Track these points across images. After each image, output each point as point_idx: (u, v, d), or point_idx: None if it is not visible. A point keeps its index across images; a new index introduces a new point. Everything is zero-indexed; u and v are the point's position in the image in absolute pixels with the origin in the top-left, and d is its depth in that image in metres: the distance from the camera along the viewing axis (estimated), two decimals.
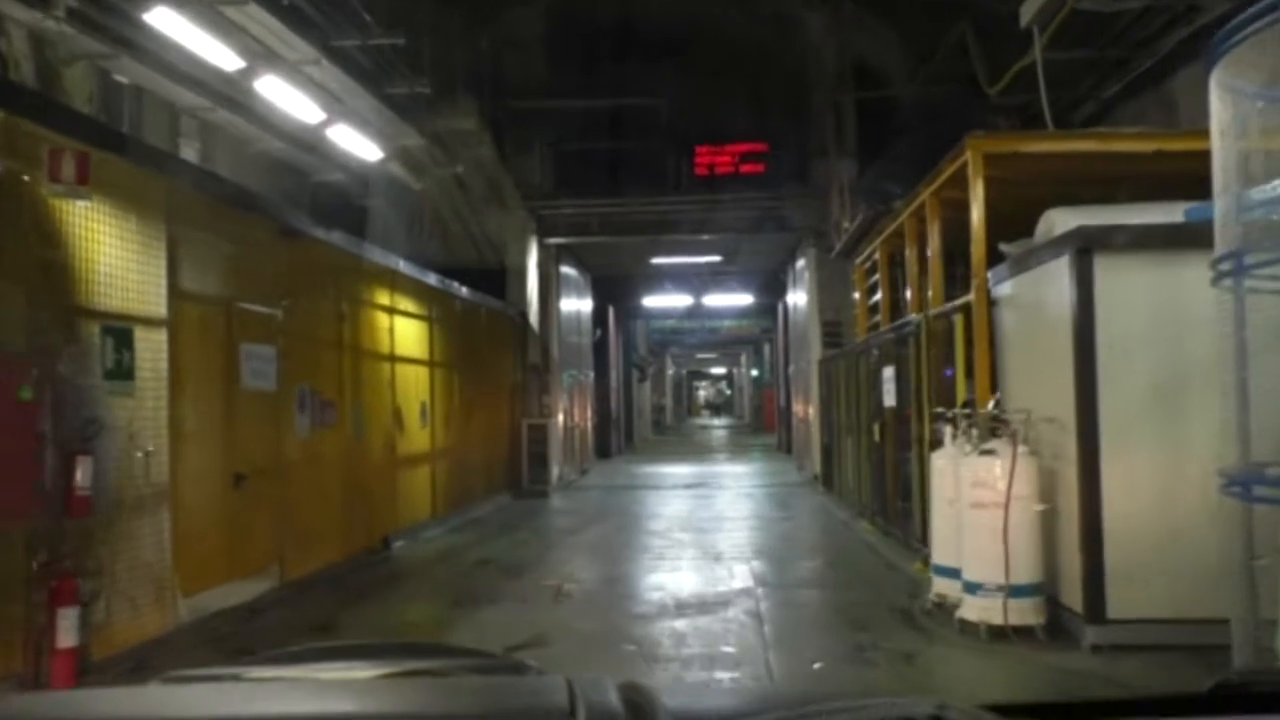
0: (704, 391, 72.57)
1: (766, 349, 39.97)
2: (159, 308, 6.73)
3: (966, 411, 6.97)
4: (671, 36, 18.77)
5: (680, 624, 6.87)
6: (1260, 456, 3.80)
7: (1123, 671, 5.40)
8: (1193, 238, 4.83)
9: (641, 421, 34.31)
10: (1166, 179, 7.94)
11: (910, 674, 5.71)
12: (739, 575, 8.81)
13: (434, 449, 12.91)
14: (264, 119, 11.66)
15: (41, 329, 5.63)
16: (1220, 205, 3.97)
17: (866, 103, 17.05)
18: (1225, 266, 3.94)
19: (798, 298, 20.86)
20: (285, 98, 10.88)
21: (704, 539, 11.19)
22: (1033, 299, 6.90)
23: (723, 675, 5.62)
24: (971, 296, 7.58)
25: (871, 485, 11.53)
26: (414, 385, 12.32)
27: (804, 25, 17.32)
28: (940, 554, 7.02)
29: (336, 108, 11.93)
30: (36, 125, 5.71)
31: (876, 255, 12.31)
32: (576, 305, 21.65)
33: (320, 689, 1.23)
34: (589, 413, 22.79)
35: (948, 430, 7.05)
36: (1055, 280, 6.31)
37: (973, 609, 6.31)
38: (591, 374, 23.36)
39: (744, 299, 28.20)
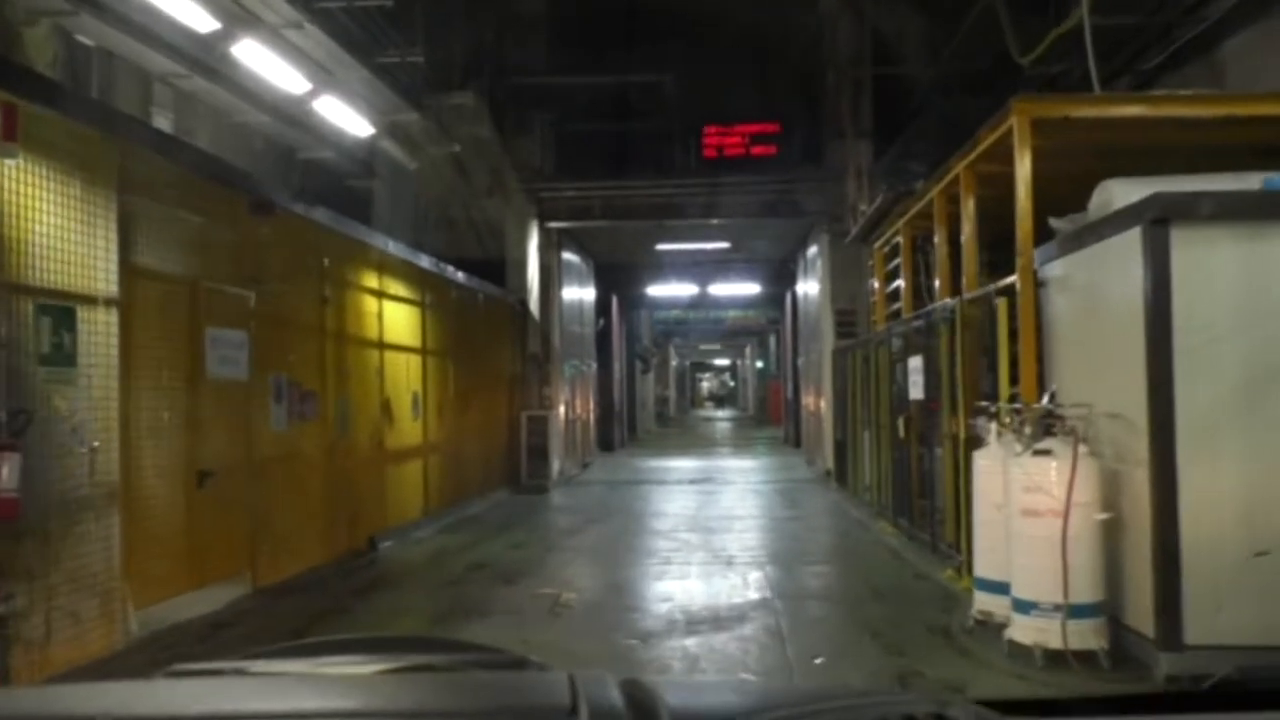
0: (707, 383, 72.03)
1: (772, 340, 39.34)
2: (108, 285, 5.99)
3: (1015, 406, 6.20)
4: (679, 12, 17.97)
5: (692, 644, 6.13)
6: None
7: None
8: None
9: (645, 413, 33.65)
10: (1224, 150, 7.19)
11: None
12: (753, 583, 8.07)
13: (426, 443, 12.17)
14: (245, 89, 10.91)
15: None
16: None
17: (884, 82, 16.27)
18: None
19: (809, 286, 20.09)
20: (267, 65, 10.13)
21: (713, 540, 10.46)
22: (1090, 280, 6.13)
23: None
24: (1015, 278, 6.81)
25: (893, 484, 10.78)
26: (405, 375, 11.58)
27: None
28: (984, 566, 6.27)
29: (323, 78, 11.18)
30: None
31: (898, 239, 11.54)
32: (579, 293, 20.90)
33: (324, 684, 1.26)
34: (591, 404, 22.09)
35: (992, 427, 6.29)
36: (1121, 257, 5.54)
37: (1025, 630, 5.57)
38: (594, 364, 22.68)
39: (751, 288, 27.48)
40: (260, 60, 9.95)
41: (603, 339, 23.93)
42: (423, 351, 12.18)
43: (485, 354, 15.14)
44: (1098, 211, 6.48)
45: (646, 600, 7.55)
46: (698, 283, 26.55)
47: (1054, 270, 6.62)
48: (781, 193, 17.36)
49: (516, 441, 16.24)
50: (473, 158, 15.71)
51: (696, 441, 30.47)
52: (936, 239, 9.27)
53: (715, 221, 17.88)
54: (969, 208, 8.24)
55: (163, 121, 10.06)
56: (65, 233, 5.62)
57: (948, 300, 8.32)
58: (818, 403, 18.46)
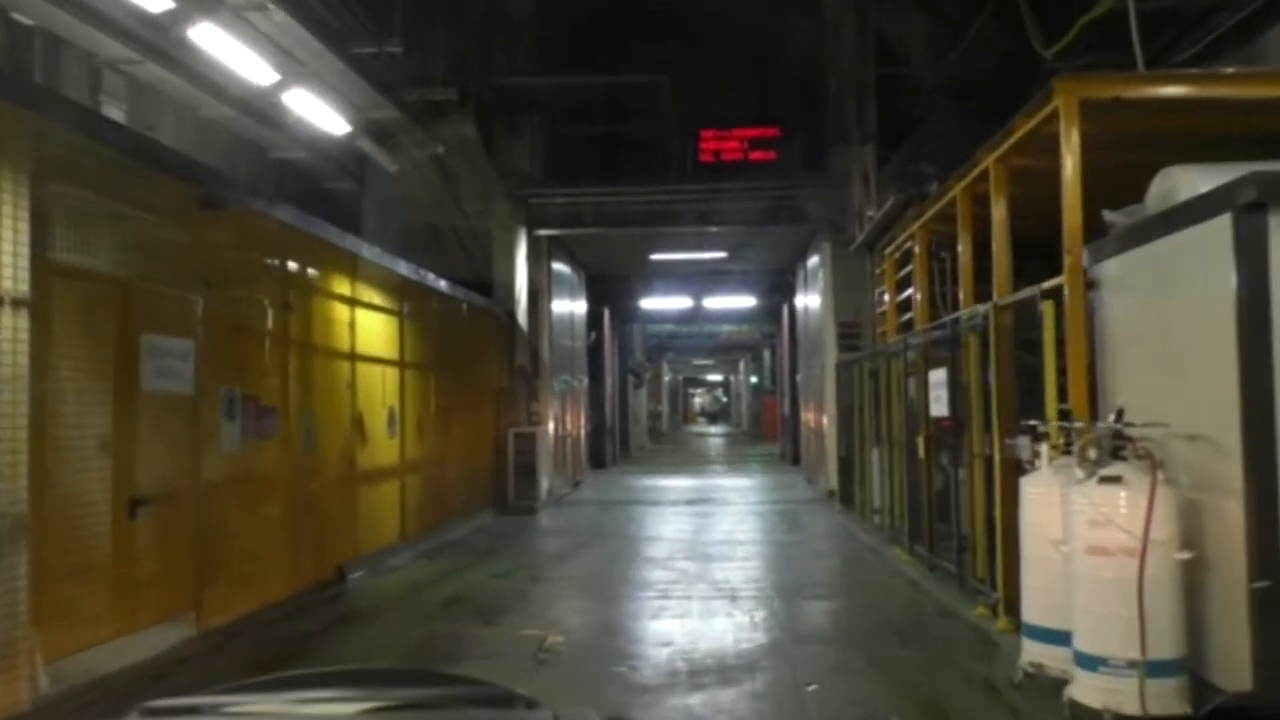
0: (700, 399, 71.25)
1: (767, 355, 38.64)
2: (16, 283, 5.12)
3: (1069, 425, 5.37)
4: (674, 11, 17.25)
5: (697, 702, 5.27)
6: None
7: None
8: None
9: (638, 429, 32.84)
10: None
11: None
12: (761, 623, 7.21)
13: (404, 462, 11.28)
14: (206, 79, 10.08)
15: None
16: None
17: (889, 84, 15.52)
18: None
19: (809, 299, 19.30)
20: (228, 51, 9.29)
21: (713, 570, 9.59)
22: (1158, 278, 5.32)
23: None
24: (1063, 278, 5.99)
25: (908, 507, 9.93)
26: (380, 389, 10.70)
27: None
28: (1036, 609, 5.43)
29: (293, 68, 10.35)
30: None
31: (911, 244, 10.73)
32: (569, 306, 20.07)
33: None
34: (582, 420, 21.25)
35: (1042, 449, 5.46)
36: (1201, 250, 4.73)
37: (1091, 689, 4.71)
38: (585, 379, 21.86)
39: (746, 301, 26.74)
40: (221, 46, 9.11)
41: (594, 353, 23.16)
42: (400, 364, 11.31)
43: (470, 367, 14.29)
44: (1159, 202, 5.68)
45: (643, 644, 6.68)
46: (692, 295, 25.81)
47: (1109, 269, 5.80)
48: (781, 199, 16.58)
49: (503, 460, 15.36)
50: (458, 160, 14.89)
51: (691, 458, 29.62)
52: (960, 241, 8.46)
53: (713, 229, 17.07)
54: (1000, 205, 7.44)
55: (114, 112, 9.21)
56: None
57: (978, 306, 7.50)
58: (819, 419, 17.63)
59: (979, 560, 7.42)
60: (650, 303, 26.70)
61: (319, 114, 11.27)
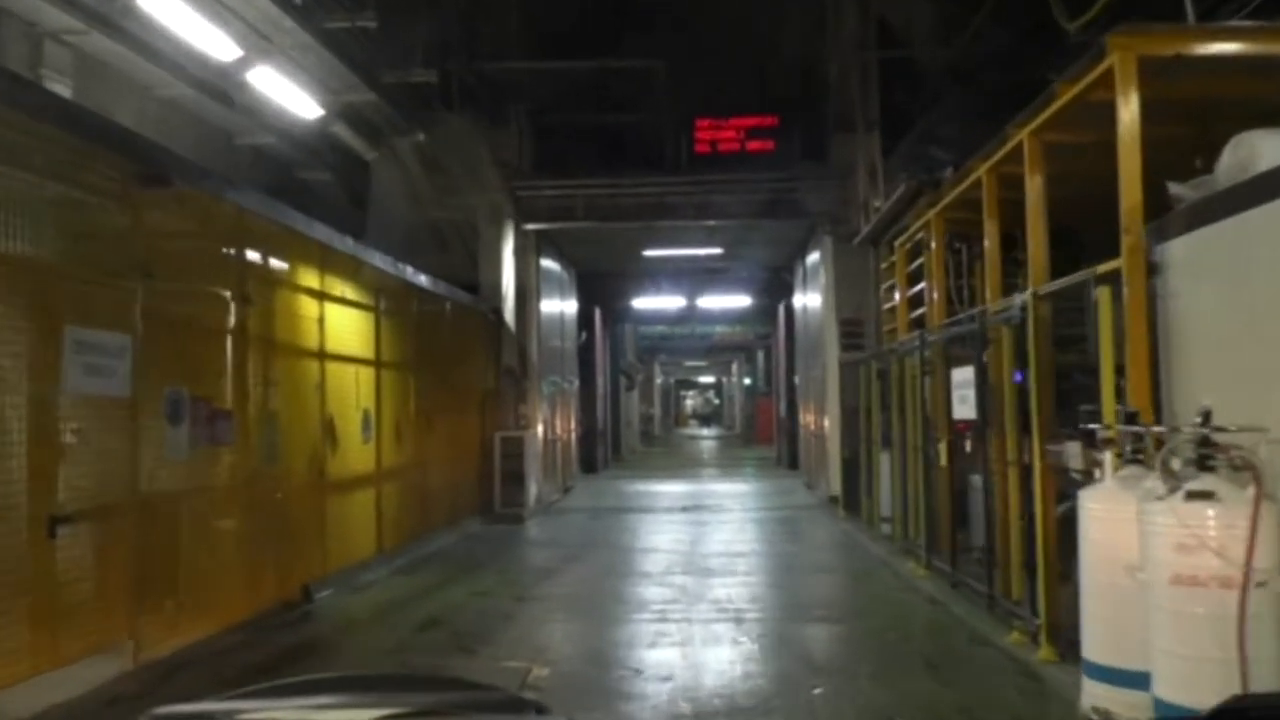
0: (691, 401, 70.56)
1: (761, 356, 37.94)
2: None
3: (1151, 429, 4.61)
4: None
5: None
6: None
7: None
8: None
9: (629, 432, 32.12)
10: None
11: None
12: (772, 651, 6.45)
13: (380, 469, 10.47)
14: (163, 54, 9.27)
15: None
16: None
17: (890, 71, 14.76)
18: None
19: (808, 298, 18.56)
20: (182, 21, 8.50)
21: (714, 587, 8.83)
22: (1237, 258, 4.57)
23: None
24: (1121, 261, 5.24)
25: (925, 517, 9.18)
26: (354, 391, 9.90)
27: None
28: (1100, 646, 4.66)
29: (257, 44, 9.56)
30: None
31: (923, 235, 9.98)
32: (559, 305, 19.29)
33: None
34: (572, 424, 20.48)
35: (1106, 458, 4.70)
36: None
37: None
38: (576, 381, 21.08)
39: (741, 300, 26.02)
40: (172, 15, 8.33)
41: (585, 354, 22.42)
42: (377, 364, 10.51)
43: (454, 368, 13.49)
44: (1234, 173, 4.94)
45: (640, 679, 5.88)
46: (685, 295, 25.08)
47: (1175, 250, 5.05)
48: (780, 191, 15.84)
49: (489, 466, 14.58)
50: (440, 149, 14.12)
51: (684, 462, 28.86)
52: (985, 228, 7.70)
53: (710, 223, 16.31)
54: (1035, 184, 6.68)
55: (58, 88, 8.39)
56: None
57: (1013, 297, 6.73)
58: (820, 421, 16.88)
59: (1014, 579, 6.66)
60: (643, 302, 25.96)
61: (288, 95, 10.47)
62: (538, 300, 16.51)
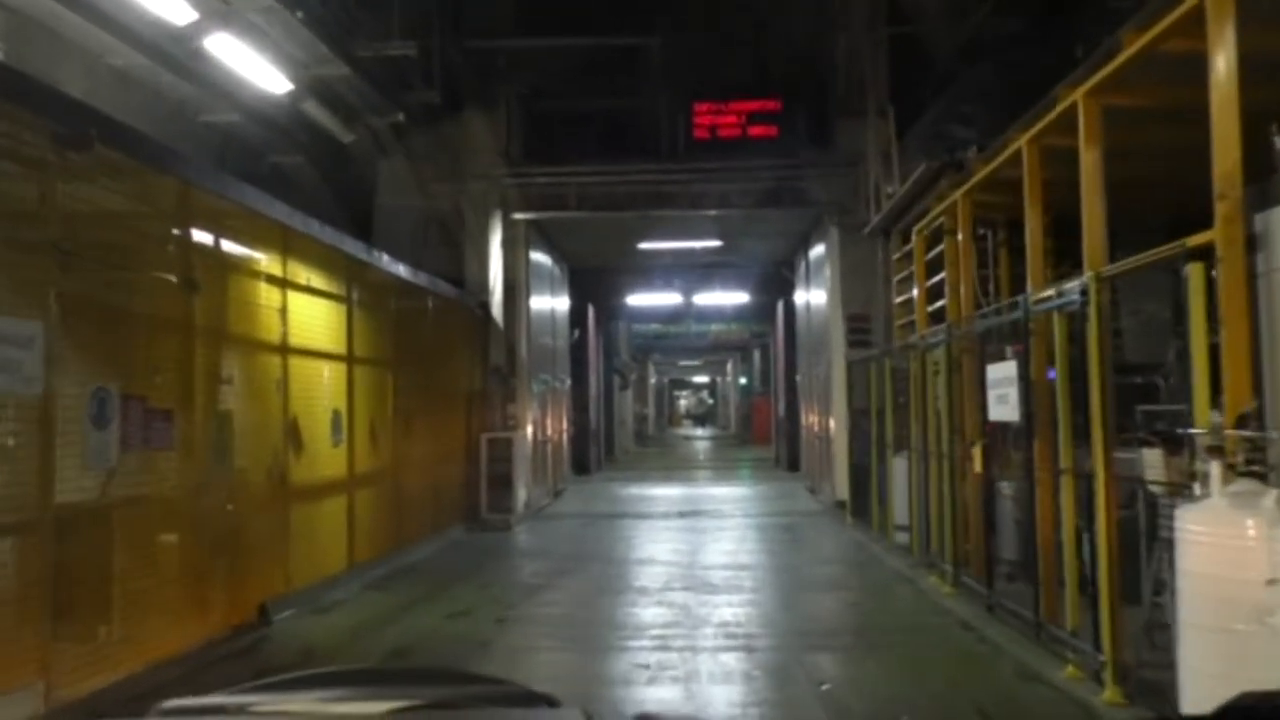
0: (685, 401, 69.82)
1: (757, 355, 37.17)
2: None
3: (1272, 435, 3.75)
4: None
5: None
6: None
7: None
8: None
9: (623, 432, 31.29)
10: None
11: None
12: (794, 694, 5.58)
13: (353, 474, 9.59)
14: (107, 15, 8.37)
15: None
16: None
17: (899, 47, 13.86)
18: None
19: (811, 293, 17.73)
20: None
21: (719, 607, 7.95)
22: None
23: None
24: (1215, 233, 4.37)
25: (952, 529, 8.32)
26: (322, 389, 9.01)
27: None
28: (1208, 700, 3.79)
29: (214, 5, 8.65)
30: None
31: (945, 220, 9.13)
32: (550, 301, 18.42)
33: None
34: (564, 424, 19.64)
35: (1214, 469, 3.84)
36: None
37: None
38: (568, 380, 20.23)
39: (739, 297, 25.13)
40: None
41: (578, 352, 21.59)
42: (349, 360, 9.62)
43: (437, 366, 12.61)
44: None
45: None
46: (681, 291, 24.19)
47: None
48: (783, 180, 14.99)
49: (475, 469, 13.71)
50: (422, 132, 13.23)
51: (679, 463, 28.03)
52: (1028, 205, 6.84)
53: (710, 213, 15.45)
54: (1091, 155, 5.82)
55: None
56: None
57: (1069, 282, 5.86)
58: (824, 422, 16.03)
59: (1069, 606, 5.79)
60: (637, 299, 25.12)
61: (251, 66, 9.57)
62: (527, 295, 15.63)
